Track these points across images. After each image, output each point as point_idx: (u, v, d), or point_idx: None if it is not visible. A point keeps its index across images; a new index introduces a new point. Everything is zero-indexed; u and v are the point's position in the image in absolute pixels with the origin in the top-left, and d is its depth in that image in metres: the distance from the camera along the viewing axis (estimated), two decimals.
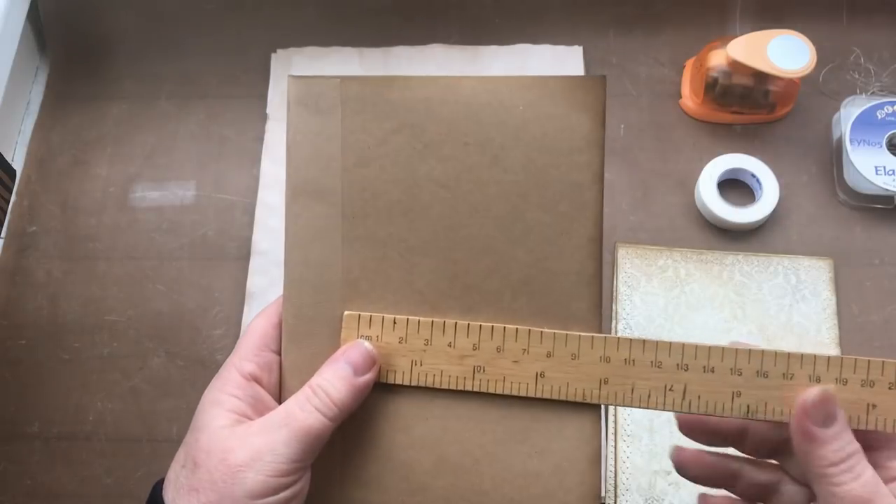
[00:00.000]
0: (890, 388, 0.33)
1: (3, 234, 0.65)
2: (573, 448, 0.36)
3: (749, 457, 0.38)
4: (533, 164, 0.35)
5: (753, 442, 0.38)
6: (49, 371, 0.60)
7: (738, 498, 0.38)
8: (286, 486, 0.33)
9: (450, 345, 0.35)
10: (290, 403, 0.34)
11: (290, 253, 0.36)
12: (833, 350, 0.58)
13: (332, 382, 0.34)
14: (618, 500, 0.54)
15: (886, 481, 0.32)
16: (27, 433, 0.58)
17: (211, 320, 0.61)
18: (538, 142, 0.35)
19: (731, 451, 0.38)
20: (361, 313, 0.36)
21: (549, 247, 0.35)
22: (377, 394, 0.36)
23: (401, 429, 0.36)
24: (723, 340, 0.36)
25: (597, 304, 0.36)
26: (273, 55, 0.70)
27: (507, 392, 0.35)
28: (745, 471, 0.37)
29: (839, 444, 0.32)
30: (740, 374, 0.34)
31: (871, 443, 0.34)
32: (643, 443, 0.55)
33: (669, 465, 0.39)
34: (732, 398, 0.34)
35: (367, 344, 0.35)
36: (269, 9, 0.71)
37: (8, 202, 0.65)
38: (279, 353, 0.37)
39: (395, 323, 0.35)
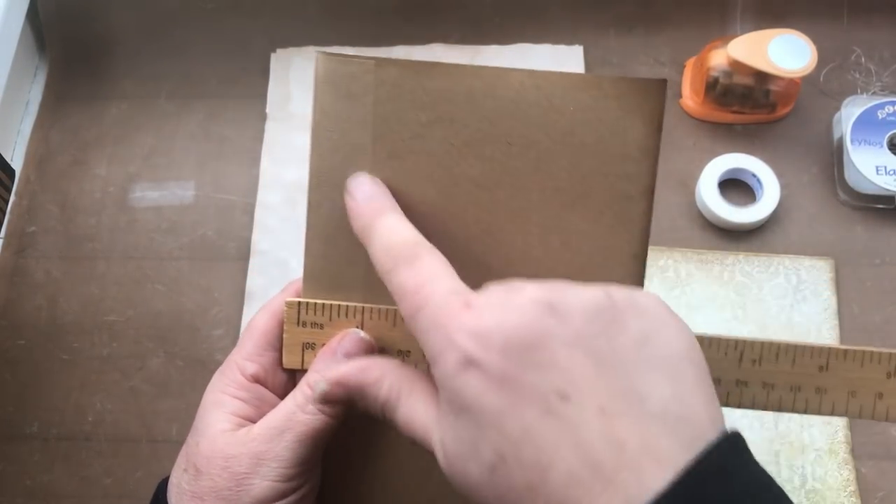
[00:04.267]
0: None
1: (2, 234, 0.65)
2: None
3: None
4: (579, 172, 0.33)
5: None
6: (48, 371, 0.60)
7: None
8: (295, 489, 0.32)
9: None
10: (289, 404, 0.32)
11: (310, 244, 0.34)
12: None
13: None
14: None
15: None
16: (26, 433, 0.58)
17: (210, 320, 0.61)
18: (587, 147, 0.33)
19: None
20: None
21: (590, 260, 0.33)
22: None
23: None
24: None
25: None
26: (273, 55, 0.70)
27: None
28: None
29: None
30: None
31: None
32: None
33: None
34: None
35: (361, 333, 0.33)
36: (269, 9, 0.71)
37: (7, 202, 0.65)
38: None
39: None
